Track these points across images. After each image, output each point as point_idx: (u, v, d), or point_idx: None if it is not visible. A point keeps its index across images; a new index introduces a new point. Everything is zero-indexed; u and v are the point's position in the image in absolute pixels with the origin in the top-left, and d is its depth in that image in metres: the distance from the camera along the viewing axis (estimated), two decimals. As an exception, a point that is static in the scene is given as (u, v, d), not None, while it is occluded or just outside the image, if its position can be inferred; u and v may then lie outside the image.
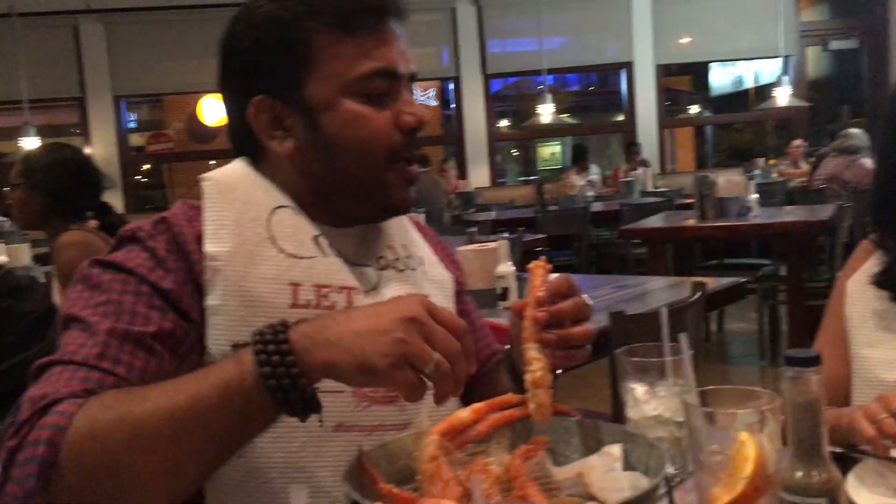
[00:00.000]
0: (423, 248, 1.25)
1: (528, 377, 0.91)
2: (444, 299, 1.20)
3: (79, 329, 0.94)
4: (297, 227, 1.06)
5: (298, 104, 1.06)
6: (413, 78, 1.11)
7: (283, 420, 0.84)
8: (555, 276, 1.01)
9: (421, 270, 1.19)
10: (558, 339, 0.95)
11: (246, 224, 1.03)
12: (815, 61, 11.14)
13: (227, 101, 1.12)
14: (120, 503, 0.81)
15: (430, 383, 0.83)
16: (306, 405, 0.81)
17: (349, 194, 1.09)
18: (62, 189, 2.66)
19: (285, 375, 0.79)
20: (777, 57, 9.26)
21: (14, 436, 0.82)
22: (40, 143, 7.55)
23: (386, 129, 1.06)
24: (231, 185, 1.07)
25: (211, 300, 0.99)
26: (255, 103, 1.07)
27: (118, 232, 1.05)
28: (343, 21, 1.04)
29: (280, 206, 1.07)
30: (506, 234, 4.00)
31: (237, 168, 1.12)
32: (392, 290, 1.12)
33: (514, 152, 16.19)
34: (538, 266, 1.00)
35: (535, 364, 0.92)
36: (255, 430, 0.85)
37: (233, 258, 1.00)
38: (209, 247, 1.00)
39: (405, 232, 1.23)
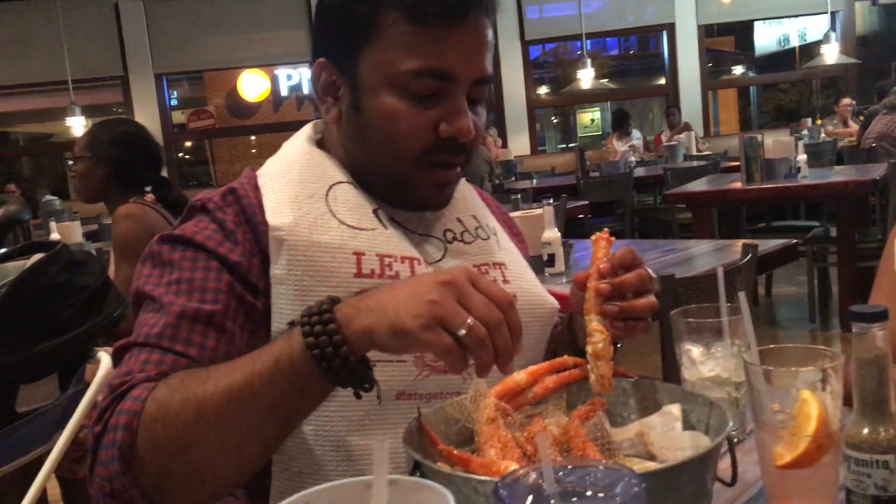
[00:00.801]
0: (493, 219, 1.24)
1: (589, 349, 0.91)
2: (521, 267, 1.20)
3: (152, 309, 0.96)
4: (355, 202, 1.07)
5: (349, 77, 1.05)
6: (481, 81, 1.04)
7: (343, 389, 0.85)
8: (619, 247, 0.99)
9: (493, 240, 1.18)
10: (620, 310, 0.93)
11: (304, 200, 1.04)
12: (864, 16, 10.82)
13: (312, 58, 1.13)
14: (194, 480, 0.85)
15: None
16: (352, 374, 0.82)
17: (379, 180, 1.09)
18: (126, 162, 2.73)
19: (328, 344, 0.80)
20: (824, 13, 8.99)
21: (98, 421, 0.87)
22: (85, 123, 7.69)
23: (419, 131, 1.02)
24: (285, 170, 1.08)
25: (276, 269, 1.00)
26: (318, 63, 1.09)
27: (189, 202, 1.07)
28: (412, 9, 0.99)
29: (337, 183, 1.08)
30: (549, 201, 3.97)
31: (294, 150, 1.13)
32: (458, 262, 1.11)
33: (554, 119, 16.06)
34: (601, 238, 0.98)
35: (597, 336, 0.91)
36: (310, 403, 0.86)
37: (296, 229, 1.01)
38: (271, 219, 1.01)
39: (475, 202, 1.22)
